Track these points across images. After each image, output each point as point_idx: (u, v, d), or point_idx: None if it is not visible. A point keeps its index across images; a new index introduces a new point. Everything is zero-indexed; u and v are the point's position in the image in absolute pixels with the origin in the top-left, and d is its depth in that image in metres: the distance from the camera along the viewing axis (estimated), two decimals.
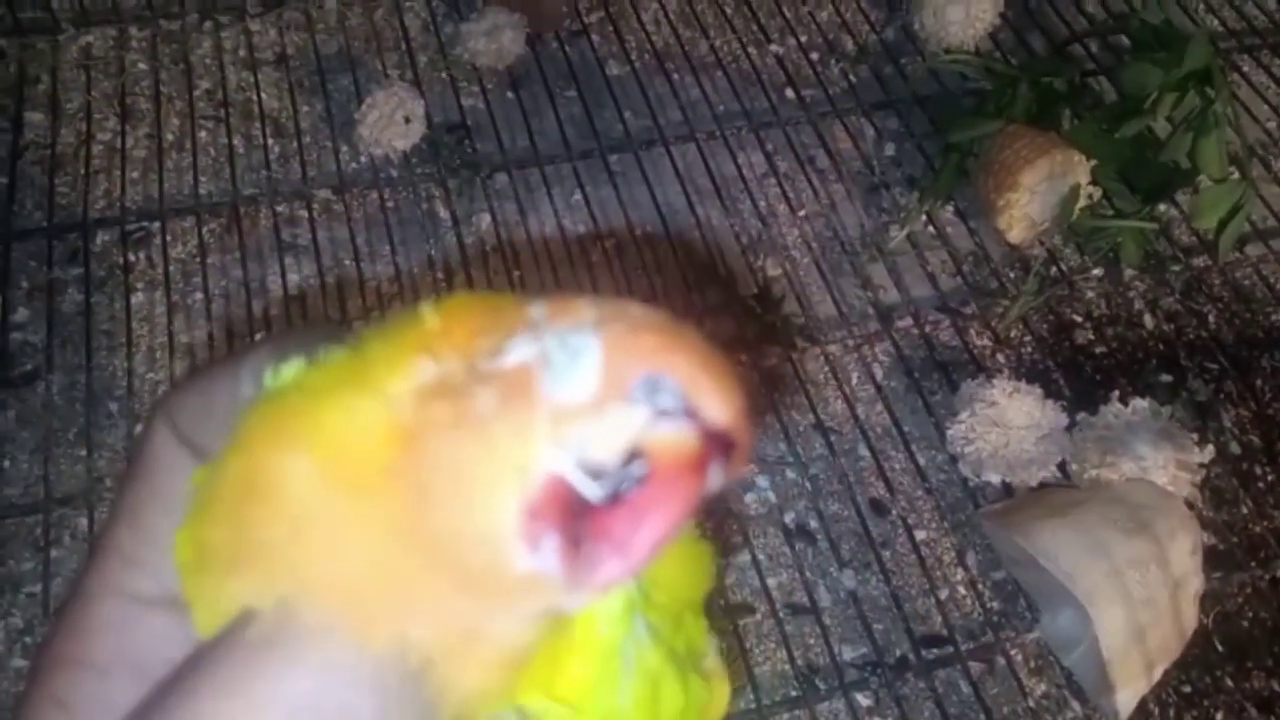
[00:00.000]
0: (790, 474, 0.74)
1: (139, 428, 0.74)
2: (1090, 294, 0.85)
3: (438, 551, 0.16)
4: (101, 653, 0.19)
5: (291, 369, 0.18)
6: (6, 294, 0.79)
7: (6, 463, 0.72)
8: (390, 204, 0.87)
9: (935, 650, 0.68)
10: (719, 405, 0.15)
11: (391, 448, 0.16)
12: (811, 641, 0.68)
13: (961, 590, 0.71)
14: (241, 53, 0.96)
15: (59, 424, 0.74)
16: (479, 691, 0.17)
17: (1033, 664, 0.68)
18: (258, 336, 0.78)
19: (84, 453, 0.72)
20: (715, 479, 0.15)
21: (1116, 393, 0.74)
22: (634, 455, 0.15)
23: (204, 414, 0.20)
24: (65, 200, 0.85)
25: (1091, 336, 0.83)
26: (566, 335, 0.15)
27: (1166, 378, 0.80)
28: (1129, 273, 0.86)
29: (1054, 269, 0.85)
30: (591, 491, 0.15)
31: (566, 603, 0.16)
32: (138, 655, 0.19)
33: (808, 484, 0.74)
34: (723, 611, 0.68)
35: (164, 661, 0.18)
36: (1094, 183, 0.83)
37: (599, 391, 0.15)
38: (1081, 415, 0.73)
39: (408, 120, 0.88)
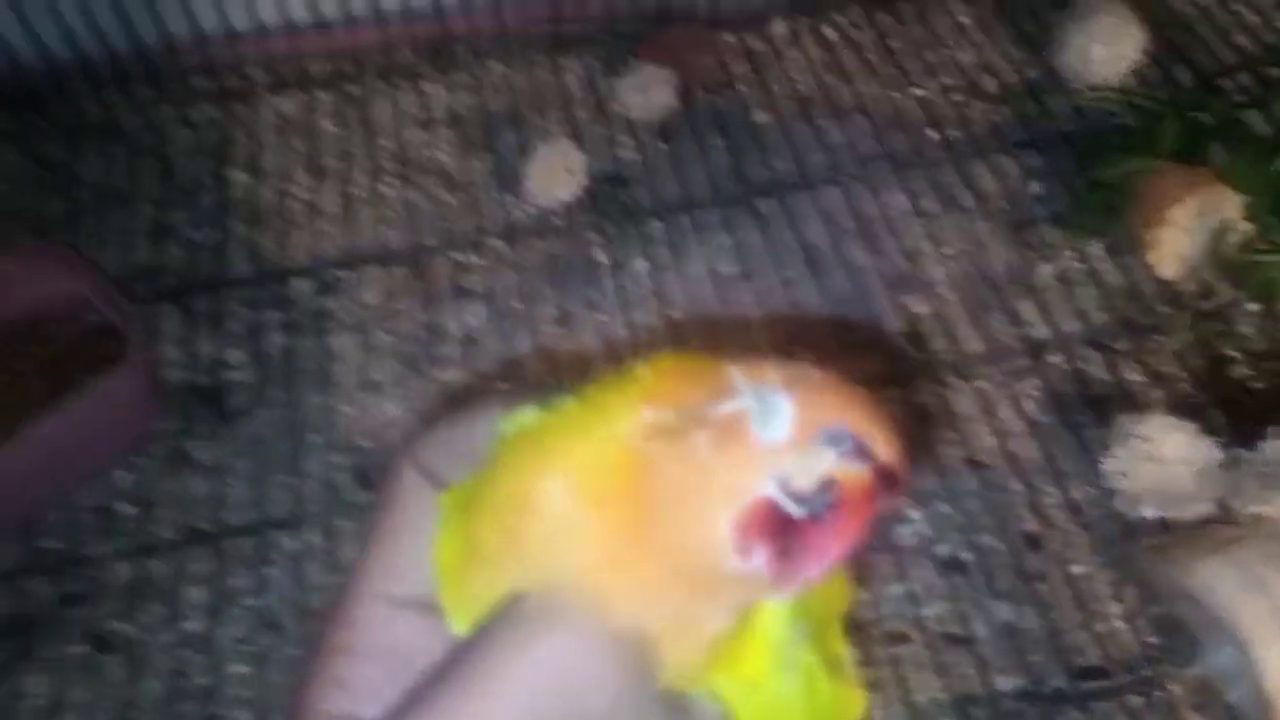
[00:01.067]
0: (943, 508, 0.77)
1: (336, 458, 0.81)
2: (1246, 329, 0.85)
3: (665, 556, 0.21)
4: (366, 642, 0.24)
5: (528, 413, 0.23)
6: (220, 337, 0.88)
7: (225, 489, 0.80)
8: (554, 251, 0.93)
9: (1092, 683, 0.69)
10: (885, 447, 0.21)
11: (629, 474, 0.21)
12: (967, 671, 0.71)
13: (1119, 624, 0.72)
14: (418, 113, 1.04)
15: (268, 455, 0.82)
16: (688, 668, 0.22)
17: (1194, 700, 0.69)
18: (439, 375, 0.85)
19: (292, 480, 0.80)
20: (884, 504, 0.21)
21: (1275, 429, 0.74)
22: (827, 485, 0.20)
23: (444, 453, 0.25)
24: (268, 252, 0.94)
25: (1248, 371, 0.83)
26: (764, 393, 0.21)
27: None
28: None
29: (1207, 304, 0.86)
30: (796, 512, 0.20)
31: (774, 596, 0.22)
32: (395, 645, 0.24)
33: (960, 517, 0.76)
34: (879, 640, 0.71)
35: (414, 650, 0.23)
36: (1247, 217, 0.84)
37: (794, 436, 0.20)
38: (1240, 451, 0.73)
39: (570, 172, 0.94)
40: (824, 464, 0.20)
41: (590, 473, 0.21)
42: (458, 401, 0.80)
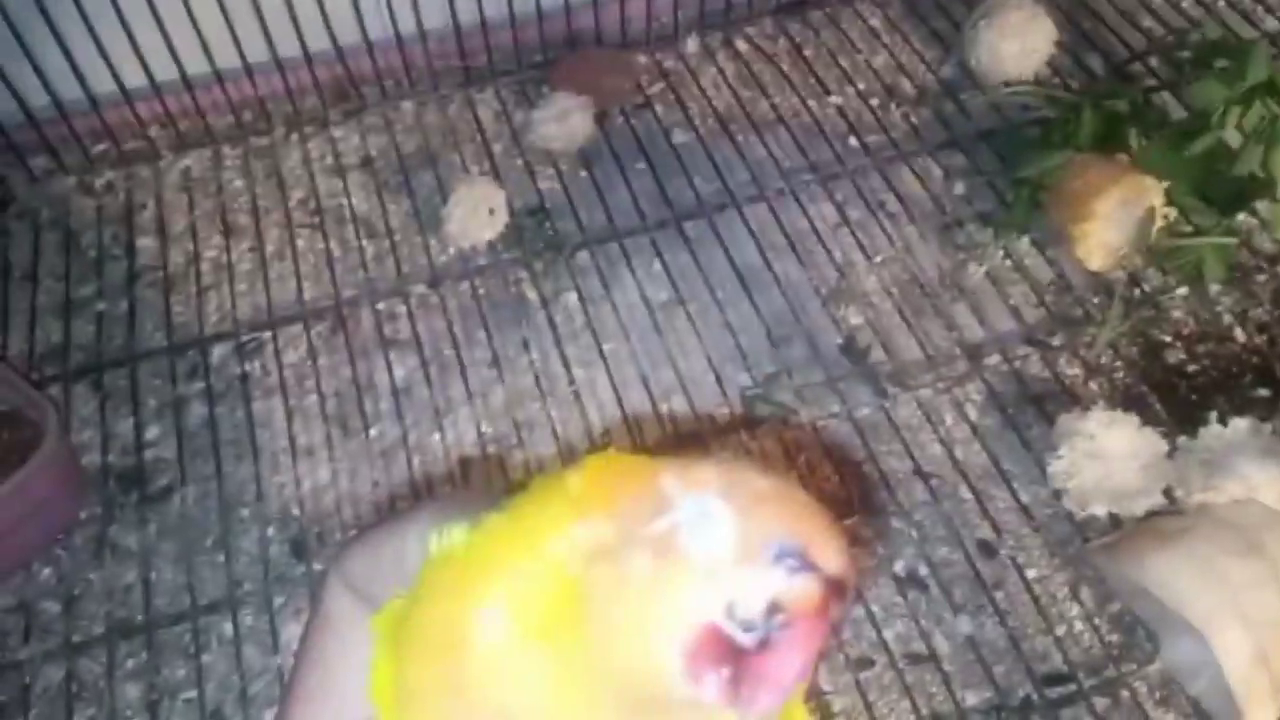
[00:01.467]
0: (896, 523, 0.76)
1: (269, 530, 0.78)
2: (1177, 313, 0.85)
3: (614, 686, 0.19)
4: None
5: (456, 532, 0.22)
6: (137, 413, 0.85)
7: (153, 575, 0.77)
8: (481, 291, 0.91)
9: (1059, 689, 0.68)
10: (832, 558, 0.19)
11: (569, 602, 0.19)
12: (934, 690, 0.69)
13: (1079, 625, 0.71)
14: (329, 160, 1.01)
15: (196, 534, 0.79)
16: None
17: (1158, 695, 0.68)
18: (372, 432, 0.83)
19: (222, 559, 0.77)
20: (835, 615, 0.19)
21: (1214, 413, 0.74)
22: (775, 608, 0.19)
23: (372, 569, 0.23)
24: (182, 319, 0.90)
25: (1183, 356, 0.83)
26: (700, 502, 0.19)
27: (1264, 392, 0.80)
28: (1214, 288, 0.86)
29: (1138, 291, 0.86)
30: (744, 640, 0.19)
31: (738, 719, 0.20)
32: None
33: (913, 531, 0.75)
34: (844, 666, 0.70)
35: None
36: (1169, 202, 0.84)
37: (736, 552, 0.19)
38: (1181, 439, 0.73)
39: (491, 212, 0.92)
40: (771, 584, 0.19)
41: (526, 601, 0.20)
42: (382, 512, 0.77)
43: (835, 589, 0.19)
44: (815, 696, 0.68)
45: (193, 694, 0.72)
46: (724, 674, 0.19)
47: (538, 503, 0.21)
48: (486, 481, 0.77)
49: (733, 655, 0.19)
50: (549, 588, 0.20)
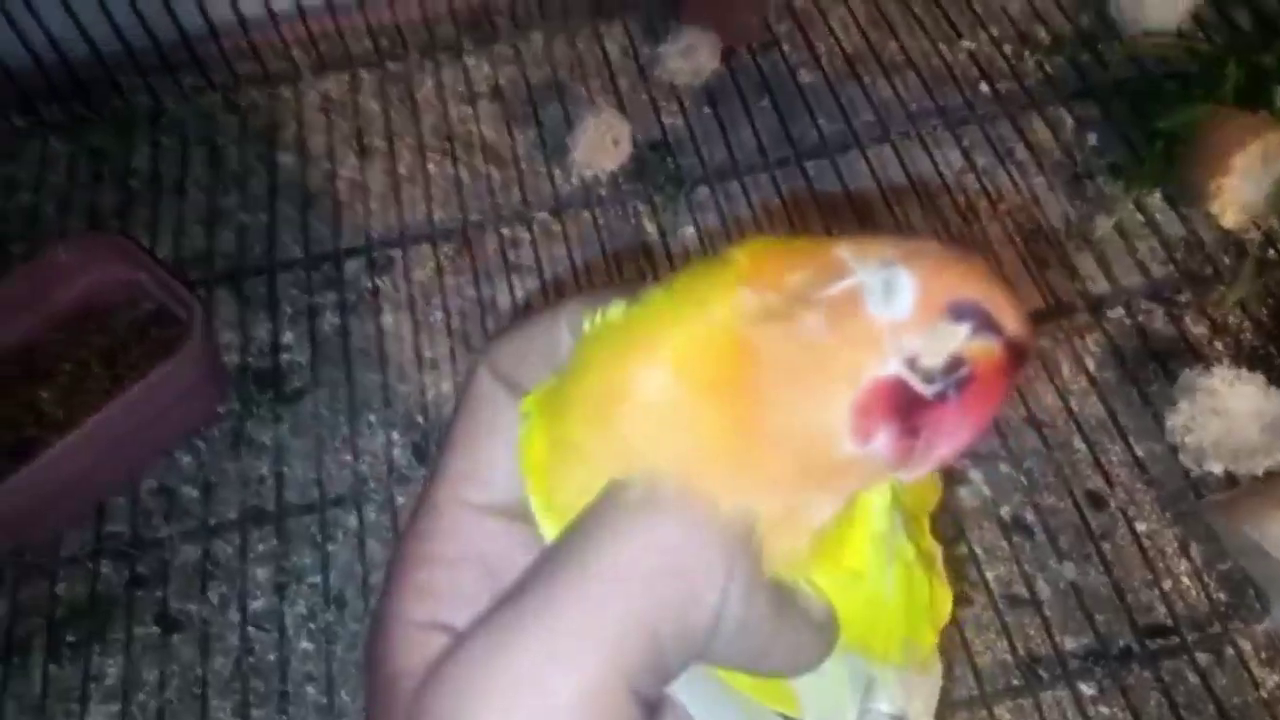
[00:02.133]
0: (1004, 468, 0.76)
1: (394, 434, 0.82)
2: None
3: (775, 443, 0.19)
4: (451, 550, 0.23)
5: (613, 310, 0.22)
6: (275, 319, 0.89)
7: (285, 469, 0.82)
8: (602, 221, 0.93)
9: (1160, 641, 0.68)
10: (1013, 320, 0.19)
11: (734, 359, 0.19)
12: (1032, 632, 0.70)
13: (1186, 581, 0.71)
14: (460, 88, 1.04)
15: (327, 433, 0.83)
16: (793, 559, 0.20)
17: (1263, 655, 0.68)
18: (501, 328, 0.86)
19: (350, 458, 0.81)
20: (1015, 379, 0.19)
21: None
22: (957, 362, 0.19)
23: (521, 357, 0.23)
24: (318, 233, 0.94)
25: None
26: (880, 268, 0.19)
27: None
28: None
29: (1272, 251, 0.83)
30: (926, 391, 0.19)
31: (905, 477, 0.20)
32: (479, 552, 0.23)
33: (1022, 478, 0.75)
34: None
35: (499, 556, 0.22)
36: None
37: (919, 313, 0.19)
38: None
39: (615, 142, 0.93)
40: (954, 341, 0.19)
41: (692, 359, 0.19)
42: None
43: (1016, 351, 0.19)
44: None
45: (317, 579, 0.76)
46: (897, 427, 0.19)
47: (700, 276, 0.21)
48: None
49: (908, 409, 0.19)
50: (715, 346, 0.20)
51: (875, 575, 0.22)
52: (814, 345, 0.19)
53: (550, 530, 0.21)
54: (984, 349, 0.19)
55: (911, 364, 0.19)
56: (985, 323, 0.19)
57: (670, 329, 0.20)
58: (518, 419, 0.22)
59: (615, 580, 0.19)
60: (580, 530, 0.20)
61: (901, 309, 0.19)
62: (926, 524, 0.26)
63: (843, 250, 0.20)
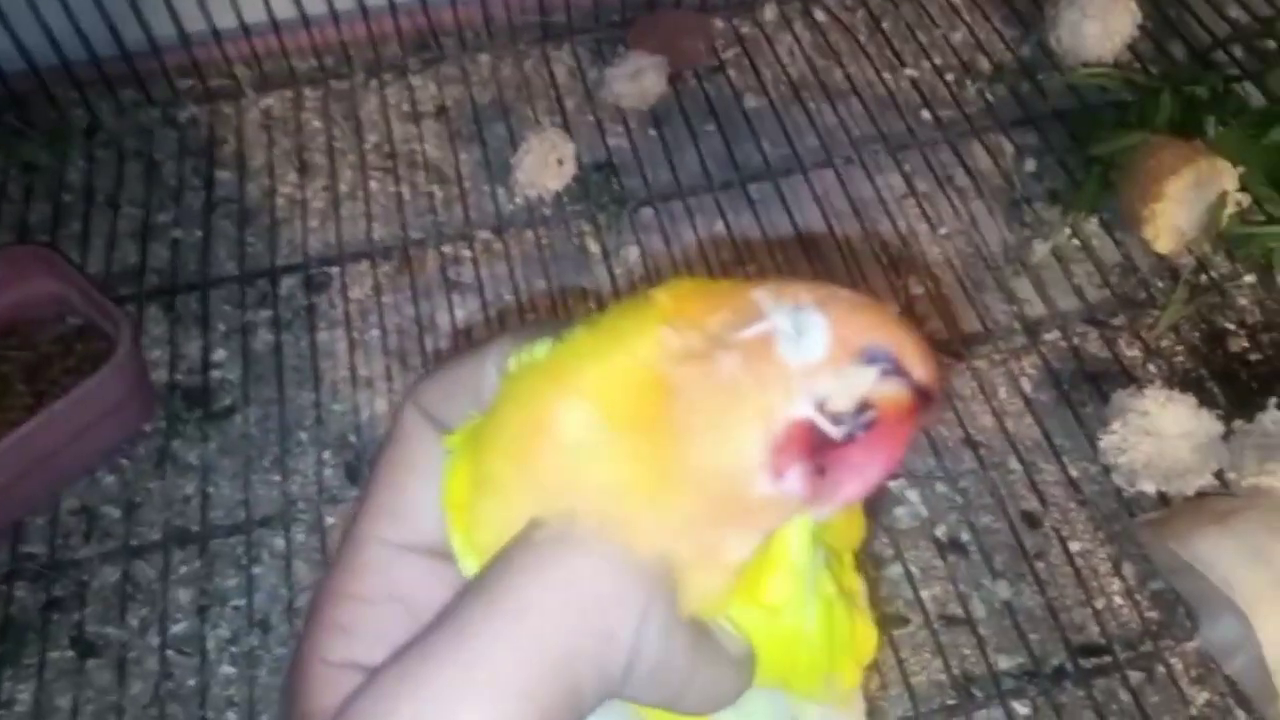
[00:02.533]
0: (940, 488, 0.76)
1: (325, 454, 0.81)
2: (1243, 301, 0.84)
3: (692, 481, 0.20)
4: (371, 588, 0.23)
5: (538, 348, 0.22)
6: (206, 336, 0.87)
7: (212, 488, 0.80)
8: (545, 241, 0.93)
9: (1093, 659, 0.68)
10: (921, 366, 0.20)
11: (654, 398, 0.20)
12: (967, 652, 0.69)
13: (1118, 600, 0.71)
14: (405, 107, 1.03)
15: (255, 453, 0.81)
16: (709, 595, 0.20)
17: (1194, 673, 0.68)
18: (430, 368, 0.85)
19: (279, 478, 0.79)
20: (920, 423, 0.20)
21: (1274, 400, 0.72)
22: (865, 405, 0.19)
23: (447, 395, 0.24)
24: (254, 249, 0.93)
25: (1246, 344, 0.82)
26: (795, 312, 0.20)
27: None
28: None
29: (1204, 277, 0.84)
30: (834, 432, 0.19)
31: (809, 515, 0.21)
32: (401, 591, 0.23)
33: (958, 497, 0.75)
34: (877, 622, 0.70)
35: (420, 596, 0.22)
36: (1243, 189, 0.82)
37: (830, 357, 0.19)
38: (1238, 423, 0.72)
39: (560, 162, 0.93)
40: (862, 384, 0.19)
41: (612, 396, 0.20)
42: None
43: (923, 396, 0.20)
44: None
45: (242, 602, 0.74)
46: (809, 466, 0.19)
47: (624, 315, 0.21)
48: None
49: (819, 450, 0.19)
50: (635, 385, 0.20)
51: (794, 611, 0.22)
52: (730, 386, 0.19)
53: (471, 568, 0.21)
54: (892, 393, 0.20)
55: (821, 406, 0.19)
56: (894, 368, 0.19)
57: (591, 366, 0.20)
58: (441, 457, 0.23)
59: (530, 616, 0.19)
60: (496, 568, 0.20)
61: (813, 352, 0.19)
62: (850, 560, 0.27)
63: (759, 293, 0.20)
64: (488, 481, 0.21)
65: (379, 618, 0.22)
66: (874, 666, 0.68)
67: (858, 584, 0.27)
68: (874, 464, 0.20)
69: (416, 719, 0.18)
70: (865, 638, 0.26)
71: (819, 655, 0.23)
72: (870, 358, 0.19)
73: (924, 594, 0.71)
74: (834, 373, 0.19)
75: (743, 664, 0.21)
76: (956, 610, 0.70)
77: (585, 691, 0.19)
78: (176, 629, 0.74)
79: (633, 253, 0.92)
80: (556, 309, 0.87)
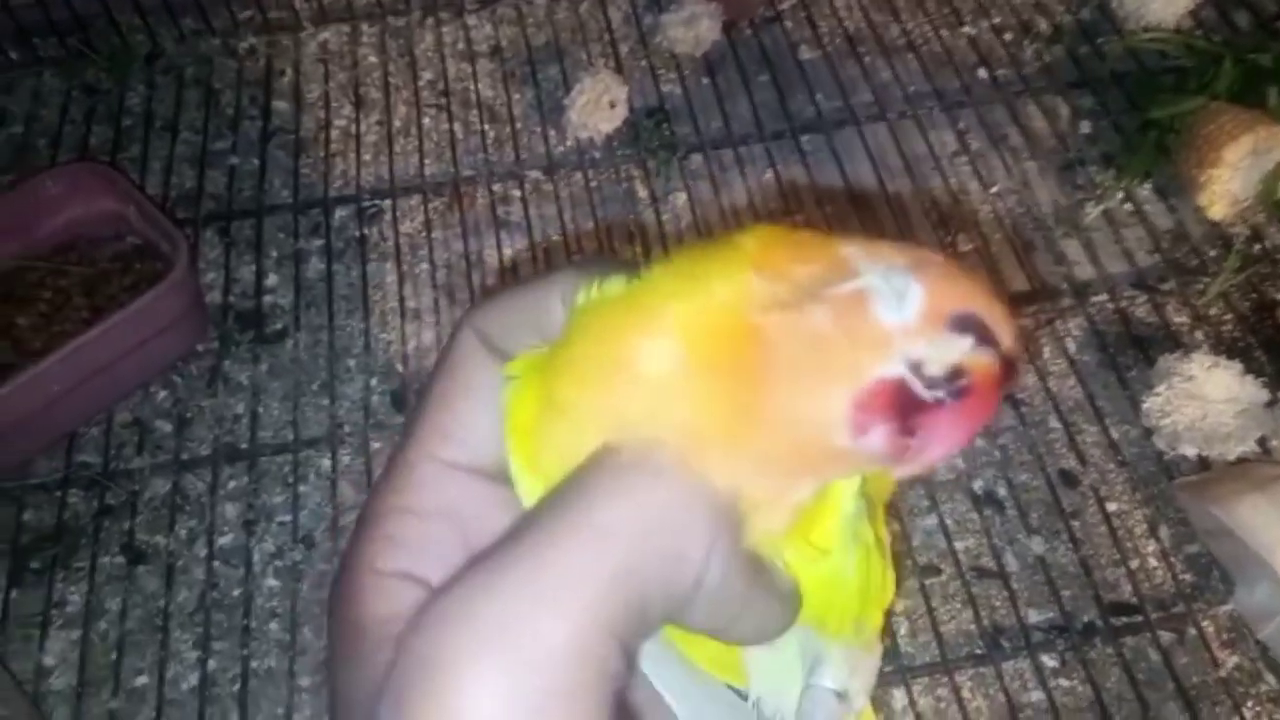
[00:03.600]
0: (979, 442, 0.76)
1: (372, 381, 0.82)
2: None
3: (772, 428, 0.20)
4: (423, 503, 0.23)
5: (612, 283, 0.22)
6: (260, 261, 0.89)
7: (261, 408, 0.81)
8: (594, 183, 0.93)
9: (1124, 618, 0.68)
10: (1009, 337, 0.20)
11: (741, 343, 0.20)
12: (998, 604, 0.70)
13: (1153, 561, 0.71)
14: (460, 46, 1.03)
15: (305, 376, 0.83)
16: (771, 534, 0.21)
17: (1225, 636, 0.68)
18: (488, 295, 0.86)
19: (327, 402, 0.81)
20: (1006, 390, 0.20)
21: None
22: (958, 373, 0.20)
23: (509, 323, 0.23)
24: (308, 180, 0.94)
25: None
26: (888, 273, 0.20)
27: None
28: None
29: (1257, 247, 0.84)
30: (927, 395, 0.20)
31: (894, 473, 0.21)
32: (452, 507, 0.23)
33: (997, 453, 0.75)
34: (910, 571, 0.71)
35: (472, 514, 0.23)
36: None
37: (924, 321, 0.20)
38: None
39: (612, 105, 0.93)
40: (957, 351, 0.20)
41: (699, 337, 0.20)
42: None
43: (1009, 366, 0.20)
44: None
45: (288, 518, 0.76)
46: (895, 426, 0.20)
47: (709, 258, 0.21)
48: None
49: (907, 410, 0.20)
50: (724, 328, 0.20)
51: (839, 555, 0.23)
52: (820, 339, 0.20)
53: (529, 490, 0.22)
54: (983, 362, 0.20)
55: (916, 368, 0.19)
56: (985, 337, 0.20)
57: (678, 305, 0.20)
58: (499, 382, 0.23)
59: (608, 531, 0.19)
60: (574, 484, 0.20)
61: (909, 315, 0.20)
62: (882, 512, 0.27)
63: (852, 251, 0.20)
64: (559, 407, 0.21)
65: (430, 532, 0.23)
66: (905, 614, 0.69)
67: (885, 534, 0.27)
68: (961, 430, 0.20)
69: (497, 623, 0.19)
70: (889, 585, 0.26)
71: (854, 599, 0.24)
72: (964, 325, 0.20)
73: (958, 545, 0.72)
74: (929, 337, 0.19)
75: (791, 600, 0.22)
76: (989, 563, 0.71)
77: (653, 608, 0.20)
78: (223, 541, 0.76)
79: (680, 198, 0.92)
80: (603, 250, 0.88)
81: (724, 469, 0.20)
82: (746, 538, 0.21)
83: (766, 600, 0.21)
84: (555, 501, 0.20)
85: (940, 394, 0.20)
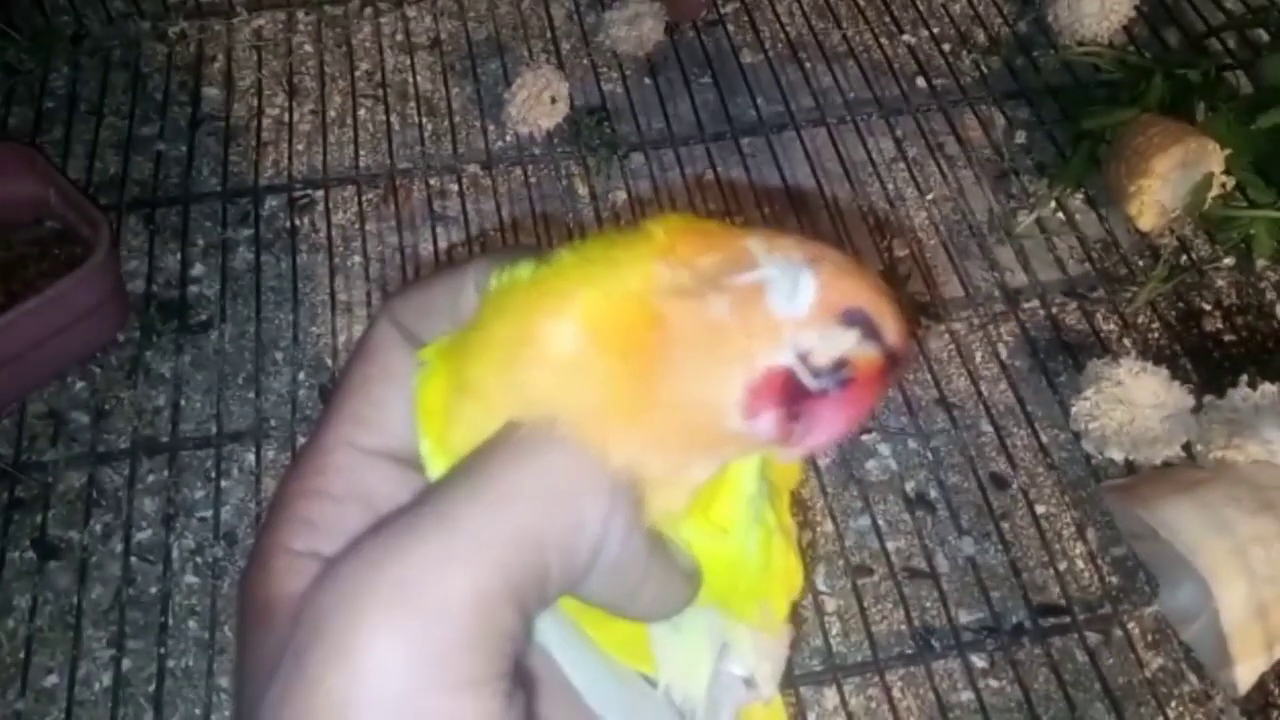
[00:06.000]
0: (912, 444, 0.76)
1: (300, 375, 0.80)
2: (1220, 283, 0.85)
3: (670, 409, 0.21)
4: (338, 487, 0.23)
5: (522, 268, 0.23)
6: (185, 251, 0.86)
7: (183, 401, 0.79)
8: (533, 180, 0.92)
9: (1052, 619, 0.69)
10: (894, 332, 0.21)
11: (642, 327, 0.21)
12: (929, 605, 0.70)
13: (1080, 564, 0.72)
14: (399, 37, 1.02)
15: (230, 369, 0.81)
16: (668, 510, 0.22)
17: (1150, 638, 0.69)
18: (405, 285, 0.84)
19: (252, 395, 0.79)
20: (888, 382, 0.22)
21: (1244, 378, 0.73)
22: (842, 363, 0.21)
23: (424, 311, 0.24)
24: (237, 168, 0.92)
25: (1220, 325, 0.83)
26: (786, 265, 0.21)
27: None
28: (1261, 263, 0.85)
29: (1184, 257, 0.85)
30: (812, 384, 0.21)
31: (780, 457, 0.23)
32: (366, 491, 0.23)
33: (929, 455, 0.76)
34: (843, 571, 0.71)
35: (385, 498, 0.23)
36: (1227, 172, 0.83)
37: (815, 313, 0.21)
38: (1208, 398, 0.73)
39: (553, 100, 0.92)
40: (844, 344, 0.21)
41: (602, 320, 0.21)
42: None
43: (893, 359, 0.21)
44: (807, 586, 0.69)
45: (208, 514, 0.74)
46: (782, 411, 0.21)
47: (617, 244, 0.22)
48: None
49: (793, 398, 0.21)
50: (627, 312, 0.21)
51: (740, 534, 0.24)
52: (717, 326, 0.20)
53: (439, 470, 0.22)
54: (867, 355, 0.21)
55: (803, 359, 0.20)
56: (871, 331, 0.21)
57: (583, 289, 0.21)
58: (413, 368, 0.23)
59: (511, 496, 0.20)
60: (478, 456, 0.21)
61: (800, 307, 0.21)
62: (788, 500, 0.28)
63: (752, 242, 0.21)
64: (468, 388, 0.22)
65: (344, 515, 0.23)
66: (837, 614, 0.69)
67: (790, 523, 0.28)
68: (843, 418, 0.21)
69: (397, 578, 0.19)
70: (795, 572, 0.27)
71: (756, 580, 0.25)
72: (851, 319, 0.21)
73: (889, 546, 0.72)
74: (818, 329, 0.20)
75: (691, 576, 0.23)
76: (920, 564, 0.71)
77: (553, 573, 0.20)
78: (140, 536, 0.73)
79: (620, 196, 0.91)
80: (542, 247, 0.87)
81: (623, 446, 0.21)
82: (646, 513, 0.21)
83: (666, 573, 0.22)
84: (459, 470, 0.21)
85: (825, 384, 0.21)
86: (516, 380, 0.21)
